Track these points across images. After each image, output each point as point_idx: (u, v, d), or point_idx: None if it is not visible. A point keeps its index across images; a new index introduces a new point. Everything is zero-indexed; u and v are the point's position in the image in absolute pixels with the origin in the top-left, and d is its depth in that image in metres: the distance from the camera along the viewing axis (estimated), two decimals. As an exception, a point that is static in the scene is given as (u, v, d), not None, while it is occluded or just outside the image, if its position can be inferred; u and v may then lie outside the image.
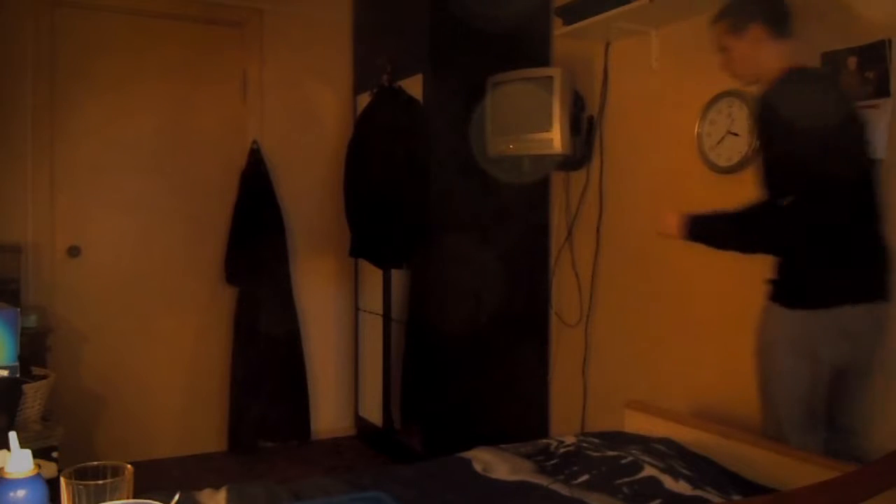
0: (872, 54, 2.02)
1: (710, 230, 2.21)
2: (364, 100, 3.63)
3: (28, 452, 1.04)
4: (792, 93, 1.97)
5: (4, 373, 1.93)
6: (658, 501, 1.79)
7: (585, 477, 1.96)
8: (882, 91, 2.00)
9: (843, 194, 1.93)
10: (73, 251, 3.47)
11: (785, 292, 2.06)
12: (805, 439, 2.04)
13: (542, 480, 1.96)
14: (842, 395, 2.10)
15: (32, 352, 2.81)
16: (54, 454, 2.12)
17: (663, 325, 2.77)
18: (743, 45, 2.10)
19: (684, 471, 1.93)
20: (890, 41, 1.98)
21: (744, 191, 2.44)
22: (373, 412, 3.79)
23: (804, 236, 1.98)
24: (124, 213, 3.55)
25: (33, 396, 2.19)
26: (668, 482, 1.86)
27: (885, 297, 2.04)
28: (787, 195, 1.96)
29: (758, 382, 2.18)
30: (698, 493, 1.82)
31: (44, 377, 2.28)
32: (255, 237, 3.68)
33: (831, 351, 2.03)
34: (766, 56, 2.06)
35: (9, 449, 1.04)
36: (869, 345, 2.07)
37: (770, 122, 2.00)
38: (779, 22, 2.07)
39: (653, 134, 2.83)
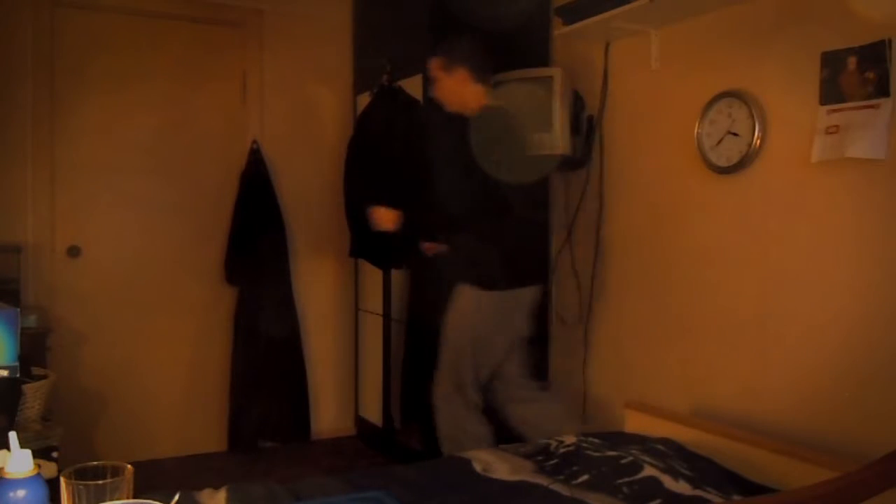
0: (872, 54, 2.02)
1: (419, 221, 2.82)
2: (364, 100, 3.63)
3: (28, 452, 1.04)
4: (487, 123, 2.61)
5: (4, 373, 1.92)
6: (658, 501, 1.79)
7: (585, 477, 1.96)
8: (882, 91, 2.00)
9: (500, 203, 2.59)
10: (73, 251, 3.47)
11: (481, 278, 2.65)
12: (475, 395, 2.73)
13: (542, 480, 1.96)
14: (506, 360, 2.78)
15: (32, 352, 2.81)
16: (54, 454, 2.12)
17: (663, 324, 2.77)
18: (451, 80, 2.72)
19: (684, 471, 1.93)
20: (890, 41, 1.98)
21: (744, 190, 2.45)
22: (373, 412, 3.79)
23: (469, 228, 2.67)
24: (124, 213, 3.55)
25: (33, 396, 2.19)
26: (668, 482, 1.86)
27: (542, 281, 2.87)
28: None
29: (449, 352, 2.73)
30: (698, 493, 1.82)
31: (44, 377, 2.29)
32: (255, 237, 3.68)
33: (518, 324, 2.74)
34: (468, 94, 2.71)
35: (9, 449, 1.04)
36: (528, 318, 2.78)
37: (467, 145, 2.56)
38: (482, 70, 2.72)
39: (653, 134, 2.83)
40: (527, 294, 2.75)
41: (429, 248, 2.95)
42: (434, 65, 2.75)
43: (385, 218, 2.79)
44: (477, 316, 2.69)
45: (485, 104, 2.69)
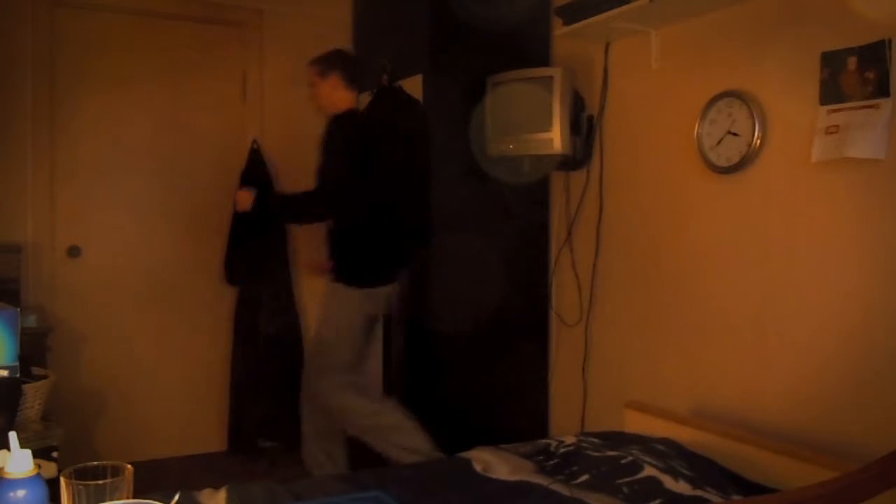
0: (872, 54, 2.02)
1: (280, 205, 3.15)
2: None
3: (28, 452, 1.04)
4: (346, 124, 2.93)
5: (4, 373, 1.92)
6: (658, 501, 1.80)
7: (585, 477, 1.96)
8: (882, 91, 2.00)
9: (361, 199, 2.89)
10: (73, 251, 3.47)
11: (348, 276, 2.97)
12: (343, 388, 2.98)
13: (542, 480, 1.96)
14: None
15: (32, 352, 2.81)
16: (54, 454, 2.12)
17: (663, 325, 2.77)
18: (325, 86, 3.02)
19: (684, 471, 1.93)
20: (890, 41, 1.98)
21: (744, 191, 2.45)
22: (373, 412, 3.78)
23: (315, 219, 3.10)
24: (124, 213, 3.55)
25: (33, 396, 2.19)
26: (668, 482, 1.86)
27: (394, 280, 3.08)
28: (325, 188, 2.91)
29: (318, 345, 3.05)
30: (698, 493, 1.83)
31: (44, 377, 2.28)
32: (255, 237, 3.68)
33: (373, 317, 3.06)
34: (339, 98, 3.02)
35: (9, 449, 1.04)
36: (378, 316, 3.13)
37: (330, 140, 2.88)
38: (353, 78, 3.05)
39: (653, 134, 2.83)
40: (389, 291, 3.09)
41: (313, 266, 3.30)
42: (310, 71, 3.05)
43: (243, 199, 3.12)
44: (346, 311, 2.99)
45: (351, 108, 3.02)
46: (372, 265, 3.02)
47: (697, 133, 2.57)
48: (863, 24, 2.04)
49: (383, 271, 3.05)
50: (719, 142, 2.49)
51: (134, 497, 1.04)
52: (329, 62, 3.05)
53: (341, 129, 2.93)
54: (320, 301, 3.15)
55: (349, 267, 3.01)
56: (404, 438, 2.91)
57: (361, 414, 3.00)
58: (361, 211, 2.94)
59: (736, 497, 1.82)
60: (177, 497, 1.08)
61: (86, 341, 3.47)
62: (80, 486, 1.02)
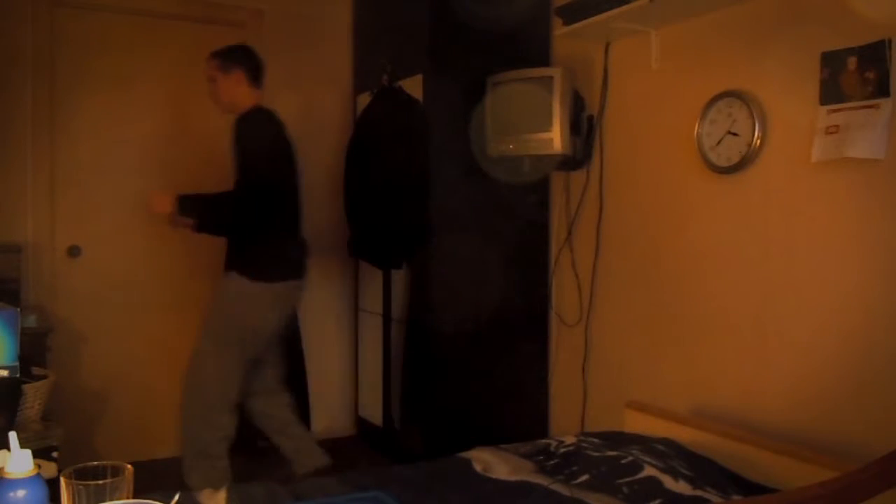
0: (872, 54, 2.02)
1: (193, 206, 2.84)
2: (364, 100, 3.63)
3: (28, 452, 1.04)
4: (254, 123, 2.81)
5: (4, 373, 1.92)
6: (658, 501, 1.80)
7: (585, 477, 1.96)
8: (882, 91, 2.00)
9: (276, 198, 2.78)
10: (74, 251, 3.47)
11: (248, 268, 2.80)
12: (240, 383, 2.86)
13: (542, 480, 1.96)
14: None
15: (32, 352, 2.81)
16: (54, 454, 2.12)
17: (663, 325, 2.77)
18: (227, 81, 2.88)
19: (684, 471, 1.93)
20: (890, 41, 1.98)
21: (744, 191, 2.45)
22: (373, 412, 3.79)
23: (246, 220, 2.76)
24: (124, 213, 3.55)
25: (33, 396, 2.19)
26: (668, 482, 1.86)
27: (305, 275, 2.99)
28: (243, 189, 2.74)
29: (212, 340, 2.82)
30: (698, 493, 1.83)
31: (44, 377, 2.28)
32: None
33: (279, 315, 2.91)
34: (241, 94, 2.88)
35: (9, 449, 1.04)
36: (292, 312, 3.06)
37: (239, 140, 2.76)
38: (255, 74, 2.92)
39: (653, 134, 2.83)
40: (292, 288, 2.95)
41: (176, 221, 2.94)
42: (211, 65, 2.91)
43: (160, 202, 2.90)
44: (242, 304, 2.83)
45: (255, 106, 2.88)
46: (279, 258, 2.89)
47: (697, 133, 2.57)
48: (863, 24, 2.04)
49: (290, 265, 2.93)
50: (719, 142, 2.49)
51: (134, 497, 1.04)
52: (232, 57, 2.91)
53: (253, 129, 2.81)
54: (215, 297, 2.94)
55: (252, 260, 2.84)
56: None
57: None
58: (278, 214, 2.83)
59: (736, 497, 1.82)
60: (177, 497, 1.08)
61: (86, 341, 3.46)
62: (80, 486, 1.02)
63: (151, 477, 3.03)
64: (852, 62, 2.07)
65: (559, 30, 3.00)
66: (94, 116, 3.49)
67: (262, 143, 2.81)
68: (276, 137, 2.86)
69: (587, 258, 3.13)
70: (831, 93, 2.12)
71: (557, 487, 1.90)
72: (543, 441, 2.30)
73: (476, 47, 3.18)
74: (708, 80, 2.54)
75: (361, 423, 3.96)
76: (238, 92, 2.89)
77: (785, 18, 2.30)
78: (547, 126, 2.94)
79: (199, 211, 2.84)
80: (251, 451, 3.73)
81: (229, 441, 2.90)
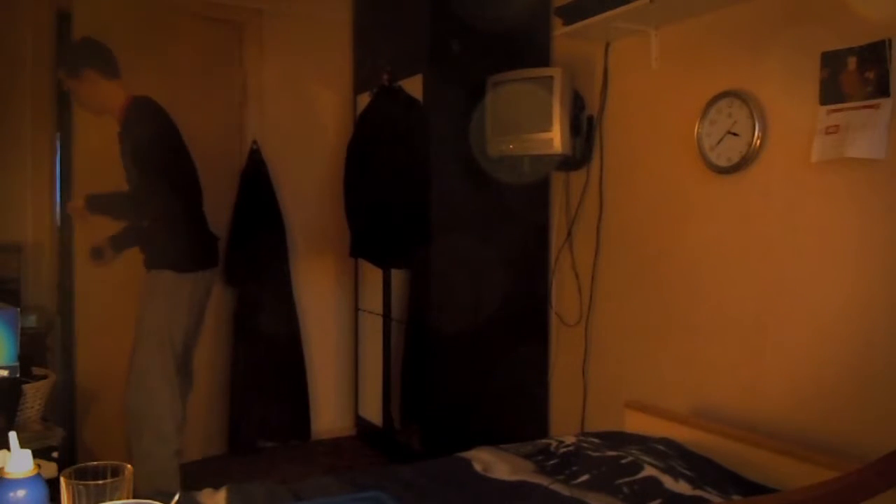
0: (872, 54, 2.02)
1: (101, 205, 2.85)
2: (364, 100, 3.63)
3: (28, 452, 1.04)
4: (140, 116, 2.70)
5: (4, 373, 1.92)
6: (658, 501, 1.80)
7: (585, 477, 1.96)
8: (882, 91, 2.00)
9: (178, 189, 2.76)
10: (73, 251, 3.47)
11: (173, 261, 2.79)
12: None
13: (542, 480, 1.96)
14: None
15: (32, 352, 2.81)
16: (54, 454, 2.12)
17: (663, 325, 2.77)
18: (83, 86, 2.72)
19: (684, 471, 1.93)
20: (890, 41, 1.98)
21: (744, 191, 2.45)
22: (373, 412, 3.79)
23: (144, 214, 2.78)
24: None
25: (33, 396, 2.19)
26: (668, 482, 1.86)
27: (217, 264, 3.02)
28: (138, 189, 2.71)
29: (150, 342, 2.77)
30: (698, 493, 1.83)
31: (44, 377, 2.28)
32: (255, 237, 3.68)
33: (202, 303, 2.93)
34: (104, 93, 2.73)
35: (9, 449, 1.04)
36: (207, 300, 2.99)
37: (132, 139, 2.68)
38: (108, 66, 2.73)
39: (653, 134, 2.83)
40: (209, 277, 2.98)
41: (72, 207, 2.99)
42: (63, 77, 2.80)
43: (71, 204, 2.96)
44: (174, 298, 2.83)
45: (131, 97, 2.74)
46: (197, 247, 2.91)
47: (697, 133, 2.57)
48: (863, 24, 2.04)
49: (208, 253, 2.97)
50: (719, 142, 2.49)
51: (134, 497, 1.04)
52: (75, 60, 2.76)
53: (139, 123, 2.73)
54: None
55: (174, 253, 2.83)
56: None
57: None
58: (184, 204, 2.84)
59: (736, 497, 1.82)
60: (177, 497, 1.08)
61: (86, 341, 3.46)
62: (80, 486, 1.02)
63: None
64: (852, 62, 2.07)
65: (559, 30, 3.00)
66: (95, 116, 3.48)
67: (152, 134, 2.73)
68: (164, 126, 2.78)
69: (587, 258, 3.13)
70: (831, 93, 2.12)
71: (557, 487, 1.90)
72: (543, 441, 2.30)
73: (476, 47, 3.18)
74: (708, 80, 2.54)
75: (361, 423, 3.96)
76: (99, 92, 2.76)
77: (785, 18, 2.30)
78: (547, 126, 2.94)
79: (105, 210, 2.87)
80: (251, 452, 3.74)
81: (180, 457, 2.84)
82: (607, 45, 3.01)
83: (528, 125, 3.00)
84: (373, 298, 3.77)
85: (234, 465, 3.61)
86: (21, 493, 1.01)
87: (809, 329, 2.23)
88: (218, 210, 3.66)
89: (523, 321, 3.35)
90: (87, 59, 2.73)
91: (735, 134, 2.44)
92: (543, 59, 3.28)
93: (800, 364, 2.26)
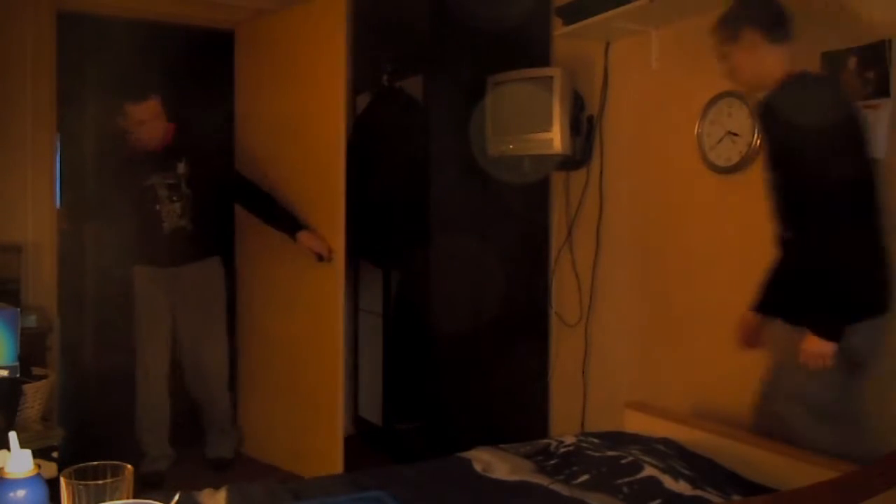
0: (872, 54, 2.02)
1: None
2: (364, 100, 3.63)
3: (28, 452, 1.04)
4: (793, 99, 1.97)
5: (4, 373, 1.92)
6: (658, 501, 1.79)
7: (585, 477, 1.96)
8: (882, 91, 2.00)
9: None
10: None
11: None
12: None
13: (542, 480, 1.96)
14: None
15: (32, 352, 2.80)
16: (54, 454, 2.12)
17: (663, 325, 2.77)
18: (740, 51, 2.06)
19: (684, 471, 1.93)
20: (890, 41, 1.98)
21: (744, 191, 2.45)
22: (373, 412, 3.79)
23: None
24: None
25: (33, 396, 2.19)
26: (668, 482, 1.86)
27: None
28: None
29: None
30: (698, 493, 1.82)
31: (44, 377, 2.28)
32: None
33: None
34: (764, 62, 2.03)
35: (9, 449, 1.04)
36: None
37: (772, 128, 2.04)
38: (774, 26, 2.03)
39: (653, 134, 2.83)
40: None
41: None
42: (717, 39, 2.15)
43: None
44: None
45: (789, 73, 2.05)
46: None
47: (697, 133, 2.57)
48: (863, 24, 2.04)
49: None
50: (719, 142, 2.49)
51: (134, 497, 1.04)
52: (738, 18, 2.10)
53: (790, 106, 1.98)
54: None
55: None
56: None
57: None
58: None
59: (736, 497, 1.82)
60: (177, 497, 1.08)
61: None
62: (80, 486, 1.02)
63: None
64: (852, 62, 2.07)
65: (559, 30, 3.00)
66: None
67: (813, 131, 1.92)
68: (831, 115, 1.94)
69: (587, 258, 3.13)
70: (831, 93, 2.12)
71: (557, 487, 1.90)
72: (543, 441, 2.30)
73: (476, 47, 3.18)
74: (708, 80, 2.54)
75: (361, 423, 3.96)
76: (757, 60, 2.06)
77: (785, 18, 2.30)
78: (547, 126, 2.94)
79: None
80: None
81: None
82: (607, 44, 3.01)
83: (528, 125, 3.00)
84: (373, 298, 3.77)
85: (234, 465, 3.61)
86: (21, 493, 1.01)
87: (809, 329, 2.22)
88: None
89: (523, 321, 3.35)
90: (752, 18, 2.06)
91: (735, 134, 2.43)
92: (543, 59, 3.28)
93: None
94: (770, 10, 2.04)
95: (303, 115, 3.29)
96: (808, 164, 1.91)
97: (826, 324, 1.89)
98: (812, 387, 1.97)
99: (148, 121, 3.10)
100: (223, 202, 3.39)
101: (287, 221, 3.18)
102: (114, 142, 3.27)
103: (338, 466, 3.08)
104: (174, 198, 3.18)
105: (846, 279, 1.90)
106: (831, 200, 1.87)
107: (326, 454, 3.12)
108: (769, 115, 2.05)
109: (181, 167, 3.19)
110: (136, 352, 3.27)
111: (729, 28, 2.07)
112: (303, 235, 3.12)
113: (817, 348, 1.88)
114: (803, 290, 1.99)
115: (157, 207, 3.18)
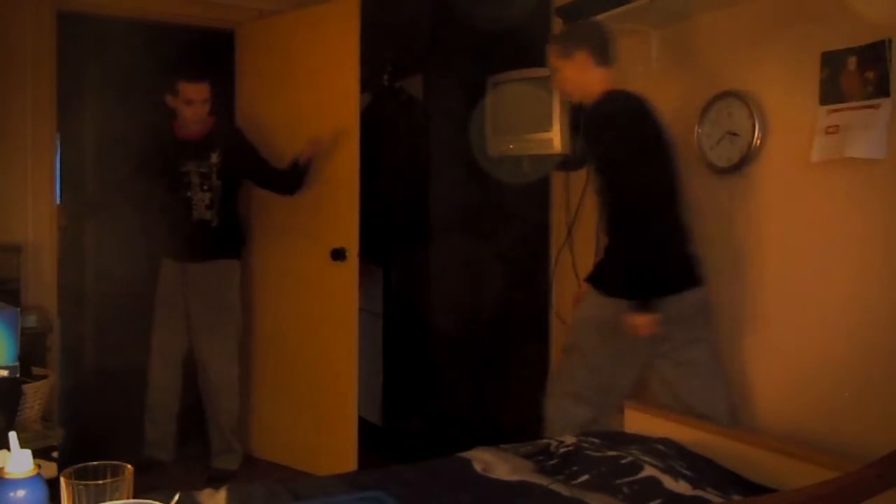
0: (872, 54, 2.02)
1: None
2: (364, 99, 3.63)
3: (28, 452, 1.04)
4: (606, 112, 2.35)
5: (4, 373, 1.92)
6: (658, 501, 1.79)
7: (585, 477, 1.96)
8: (882, 91, 2.00)
9: None
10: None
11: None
12: None
13: (542, 480, 1.96)
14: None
15: (32, 352, 2.81)
16: (54, 454, 2.12)
17: (663, 325, 2.76)
18: (571, 67, 2.45)
19: (684, 471, 1.93)
20: (890, 41, 1.98)
21: (744, 191, 2.45)
22: (372, 412, 3.79)
23: None
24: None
25: (33, 396, 2.19)
26: (668, 482, 1.86)
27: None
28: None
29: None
30: (698, 493, 1.82)
31: (44, 377, 2.29)
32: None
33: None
34: (589, 79, 2.43)
35: (9, 449, 1.04)
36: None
37: (593, 136, 2.41)
38: (602, 51, 2.44)
39: (653, 134, 2.82)
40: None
41: None
42: (552, 53, 2.54)
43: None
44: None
45: (610, 89, 2.43)
46: None
47: (697, 133, 2.57)
48: (863, 24, 2.04)
49: None
50: (719, 142, 2.49)
51: (134, 497, 1.04)
52: (573, 39, 2.51)
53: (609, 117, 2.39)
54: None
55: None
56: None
57: None
58: None
59: (736, 497, 1.82)
60: (177, 497, 1.08)
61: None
62: (80, 486, 1.02)
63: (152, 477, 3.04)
64: (852, 62, 2.07)
65: (559, 30, 2.99)
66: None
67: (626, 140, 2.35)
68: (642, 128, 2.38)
69: (587, 258, 3.13)
70: (831, 93, 2.12)
71: (557, 487, 1.90)
72: (543, 441, 2.30)
73: (476, 47, 3.18)
74: (708, 80, 2.54)
75: (361, 423, 3.96)
76: (585, 77, 2.44)
77: (785, 18, 2.30)
78: (547, 126, 2.94)
79: None
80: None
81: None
82: (607, 45, 3.01)
83: (528, 125, 3.00)
84: (373, 298, 3.77)
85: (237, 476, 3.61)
86: (21, 493, 1.01)
87: (809, 329, 2.23)
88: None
89: (523, 321, 3.35)
90: (585, 42, 2.43)
91: (735, 134, 2.43)
92: (543, 59, 3.28)
93: (799, 364, 2.26)
94: (601, 38, 2.45)
95: (313, 117, 3.29)
96: (616, 168, 2.29)
97: (636, 300, 2.26)
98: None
99: (197, 102, 3.14)
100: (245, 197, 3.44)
101: (295, 173, 3.25)
102: (153, 129, 3.34)
103: (351, 464, 3.10)
104: (205, 187, 3.22)
105: (650, 269, 2.28)
106: (635, 203, 2.24)
107: (341, 452, 3.14)
108: (589, 127, 2.42)
109: (214, 157, 3.23)
110: (151, 336, 3.34)
111: (565, 47, 2.45)
112: (303, 156, 3.20)
113: (635, 320, 2.25)
114: (620, 272, 2.37)
115: (189, 194, 3.22)
